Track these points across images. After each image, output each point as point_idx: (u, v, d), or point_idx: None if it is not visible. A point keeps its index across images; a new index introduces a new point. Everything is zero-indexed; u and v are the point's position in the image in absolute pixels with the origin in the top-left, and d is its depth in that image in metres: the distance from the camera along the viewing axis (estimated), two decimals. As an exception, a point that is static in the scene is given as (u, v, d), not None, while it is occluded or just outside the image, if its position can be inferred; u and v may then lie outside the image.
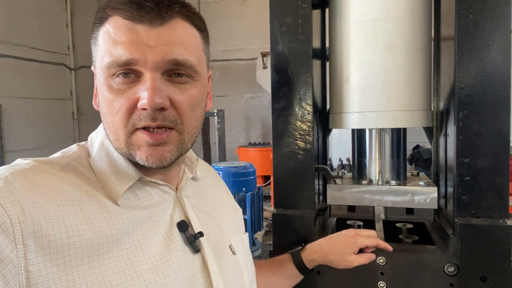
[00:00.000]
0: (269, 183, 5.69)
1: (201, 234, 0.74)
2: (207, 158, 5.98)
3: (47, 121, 6.53)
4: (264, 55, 6.38)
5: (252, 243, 2.79)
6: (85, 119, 7.02)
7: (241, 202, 2.85)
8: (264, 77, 6.56)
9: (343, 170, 1.47)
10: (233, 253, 0.81)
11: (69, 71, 6.99)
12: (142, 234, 0.66)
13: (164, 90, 0.64)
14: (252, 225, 2.91)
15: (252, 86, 7.12)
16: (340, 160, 4.57)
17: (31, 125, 6.27)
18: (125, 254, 0.63)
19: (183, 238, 0.72)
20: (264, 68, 6.43)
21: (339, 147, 4.52)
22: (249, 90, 7.27)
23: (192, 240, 0.72)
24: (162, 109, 0.64)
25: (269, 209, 5.38)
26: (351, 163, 1.46)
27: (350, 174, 1.40)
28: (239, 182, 2.91)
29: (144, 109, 0.63)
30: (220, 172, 2.93)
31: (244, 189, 2.90)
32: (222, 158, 6.15)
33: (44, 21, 6.51)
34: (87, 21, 6.95)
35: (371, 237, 1.06)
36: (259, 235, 2.82)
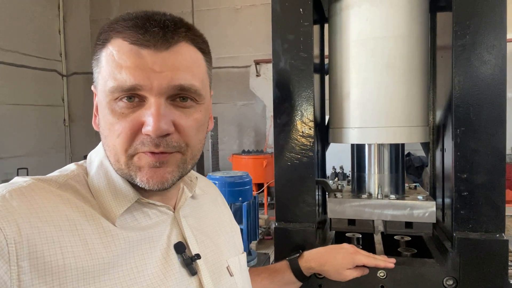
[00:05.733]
0: (263, 191, 5.70)
1: (198, 256, 0.73)
2: (200, 166, 5.98)
3: (38, 128, 6.46)
4: (257, 63, 6.41)
5: (248, 252, 2.79)
6: (77, 126, 6.95)
7: (237, 212, 2.86)
8: (257, 85, 6.59)
9: (337, 180, 1.48)
10: (231, 274, 0.80)
11: (61, 78, 6.93)
12: (139, 255, 0.66)
13: (168, 115, 0.63)
14: (248, 235, 2.92)
15: (245, 94, 7.15)
16: (334, 168, 4.60)
17: (22, 132, 6.20)
18: (121, 276, 0.62)
19: (180, 260, 0.71)
20: (257, 76, 6.46)
21: (331, 156, 4.56)
22: (242, 97, 7.30)
23: (189, 262, 0.71)
24: (167, 134, 0.63)
25: (262, 217, 5.39)
26: (349, 176, 1.48)
27: (349, 187, 1.42)
28: (235, 192, 2.90)
29: (148, 134, 0.62)
30: (216, 182, 2.94)
31: (240, 198, 2.90)
32: (215, 165, 6.16)
33: (36, 27, 6.46)
34: (79, 28, 6.92)
35: (370, 257, 1.07)
36: (254, 245, 2.83)
